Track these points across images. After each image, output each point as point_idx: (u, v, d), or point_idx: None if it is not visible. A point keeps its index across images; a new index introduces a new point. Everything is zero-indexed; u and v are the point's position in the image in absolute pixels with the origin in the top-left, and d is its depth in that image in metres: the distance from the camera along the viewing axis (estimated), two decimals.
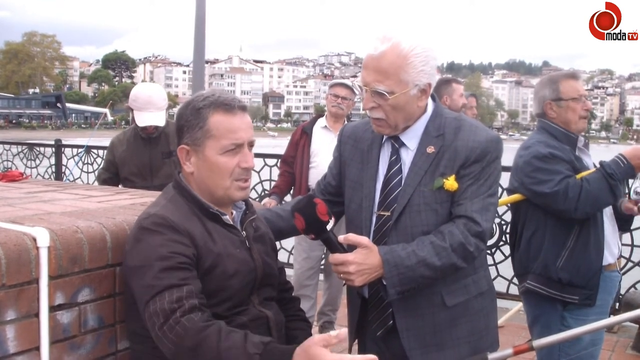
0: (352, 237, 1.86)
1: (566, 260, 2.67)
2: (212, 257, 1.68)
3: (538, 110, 2.82)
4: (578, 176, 2.64)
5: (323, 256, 4.60)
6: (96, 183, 6.93)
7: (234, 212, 1.87)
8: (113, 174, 4.01)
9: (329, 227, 1.82)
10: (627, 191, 2.94)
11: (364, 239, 1.85)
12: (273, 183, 5.98)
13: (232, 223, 1.80)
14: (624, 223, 2.90)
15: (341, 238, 1.85)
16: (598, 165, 2.69)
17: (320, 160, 4.39)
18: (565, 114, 2.74)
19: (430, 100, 2.00)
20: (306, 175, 4.46)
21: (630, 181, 2.79)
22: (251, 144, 1.79)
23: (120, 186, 3.93)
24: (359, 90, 1.95)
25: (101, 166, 4.28)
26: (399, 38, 1.84)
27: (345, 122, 4.51)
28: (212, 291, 1.68)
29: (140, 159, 3.92)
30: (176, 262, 1.59)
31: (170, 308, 1.54)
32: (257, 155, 5.83)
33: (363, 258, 1.82)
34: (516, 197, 2.81)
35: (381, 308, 2.01)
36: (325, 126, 4.54)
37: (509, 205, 2.99)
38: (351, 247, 1.86)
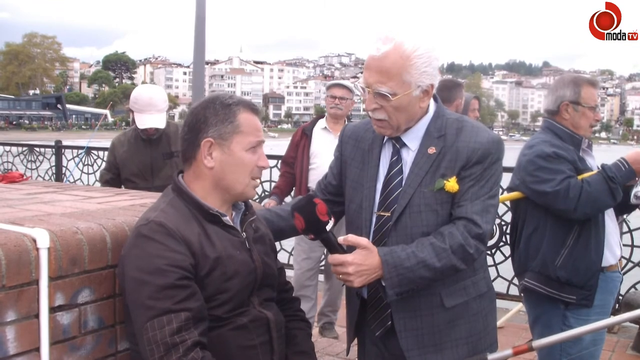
0: (352, 237, 1.86)
1: (565, 259, 2.67)
2: (209, 263, 1.68)
3: (553, 107, 2.81)
4: (579, 177, 2.64)
5: (323, 257, 4.60)
6: (97, 184, 6.97)
7: (234, 213, 1.87)
8: (115, 175, 4.01)
9: (328, 227, 1.82)
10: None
11: (363, 240, 1.85)
12: (273, 184, 5.99)
13: (232, 224, 1.80)
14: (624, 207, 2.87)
15: (341, 239, 1.85)
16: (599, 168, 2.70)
17: (321, 162, 4.38)
18: (579, 118, 2.76)
19: (431, 101, 1.99)
20: (306, 176, 4.46)
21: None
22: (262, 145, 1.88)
23: (122, 187, 3.93)
24: (361, 91, 1.94)
25: (103, 167, 4.28)
26: (402, 39, 1.83)
27: (346, 122, 4.51)
28: (212, 293, 1.68)
29: (141, 159, 3.92)
30: (174, 280, 1.60)
31: (172, 342, 1.56)
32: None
33: (362, 259, 1.81)
34: (515, 194, 2.82)
35: (380, 308, 2.01)
36: (325, 127, 4.54)
37: (509, 205, 2.99)
38: (351, 248, 1.86)
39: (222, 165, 1.77)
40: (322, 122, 4.59)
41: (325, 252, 4.48)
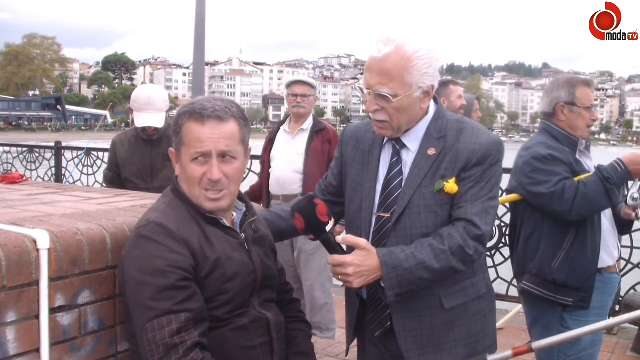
0: (351, 238, 1.86)
1: (562, 261, 2.67)
2: (209, 264, 1.68)
3: (549, 109, 2.81)
4: (576, 179, 2.65)
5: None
6: (97, 185, 6.96)
7: (235, 214, 1.87)
8: (117, 174, 4.00)
9: (328, 228, 1.83)
10: (625, 193, 2.95)
11: (362, 241, 1.85)
12: None
13: (230, 226, 1.81)
14: (623, 227, 2.91)
15: (339, 238, 1.85)
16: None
17: (275, 164, 4.32)
18: (575, 119, 2.76)
19: (432, 102, 2.00)
20: (267, 181, 4.38)
21: (630, 183, 2.79)
22: (228, 154, 1.73)
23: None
24: (362, 92, 1.94)
25: (106, 166, 4.25)
26: (403, 40, 1.83)
27: (311, 120, 4.36)
28: (212, 295, 1.69)
29: (141, 160, 3.91)
30: (174, 280, 1.60)
31: (172, 343, 1.56)
32: (256, 157, 5.82)
33: (361, 260, 1.82)
34: (513, 196, 2.83)
35: (379, 309, 2.01)
36: (286, 129, 4.42)
37: (508, 206, 3.00)
38: (350, 249, 1.86)
39: (180, 175, 1.79)
40: (286, 124, 4.47)
41: (295, 255, 4.36)
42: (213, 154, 1.71)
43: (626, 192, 2.91)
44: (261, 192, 4.49)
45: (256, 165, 6.09)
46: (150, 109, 3.80)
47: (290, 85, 4.42)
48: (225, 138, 1.72)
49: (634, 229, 4.64)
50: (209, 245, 1.71)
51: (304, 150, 4.24)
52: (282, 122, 4.54)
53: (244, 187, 3.68)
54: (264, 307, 1.82)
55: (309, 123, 4.37)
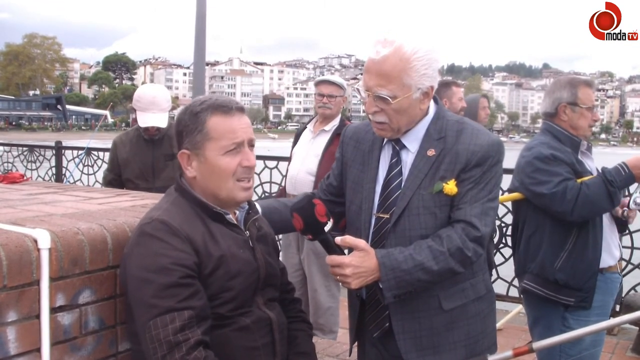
0: (350, 239, 1.86)
1: (564, 261, 2.68)
2: (213, 261, 1.68)
3: (551, 110, 2.82)
4: (579, 180, 2.65)
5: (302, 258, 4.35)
6: (97, 185, 6.96)
7: (237, 212, 1.88)
8: (117, 175, 3.99)
9: (327, 228, 1.82)
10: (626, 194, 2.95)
11: (360, 242, 1.85)
12: (274, 185, 5.98)
13: (235, 222, 1.81)
14: (620, 226, 2.91)
15: (338, 240, 1.85)
16: (599, 171, 2.71)
17: (293, 163, 4.29)
18: (577, 119, 2.77)
19: (432, 103, 2.00)
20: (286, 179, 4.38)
21: (633, 187, 2.79)
22: (251, 143, 1.80)
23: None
24: (361, 94, 1.94)
25: (107, 167, 4.22)
26: (401, 41, 1.83)
27: (336, 122, 4.23)
28: (216, 292, 1.69)
29: (143, 160, 3.90)
30: (177, 278, 1.60)
31: (175, 340, 1.56)
32: (258, 157, 5.80)
33: (360, 261, 1.82)
34: (515, 195, 2.83)
35: (378, 310, 2.01)
36: (310, 128, 4.35)
37: (509, 207, 3.00)
38: (349, 250, 1.86)
39: (202, 174, 1.77)
40: (311, 123, 4.40)
41: (301, 257, 4.33)
42: (245, 143, 1.77)
43: (627, 194, 2.91)
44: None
45: None
46: (153, 109, 3.79)
47: (317, 84, 4.33)
48: (249, 127, 1.81)
49: (634, 229, 4.68)
50: (214, 242, 1.71)
51: (321, 152, 4.13)
52: (309, 121, 4.46)
53: None
54: (268, 307, 1.82)
55: (332, 125, 4.22)
